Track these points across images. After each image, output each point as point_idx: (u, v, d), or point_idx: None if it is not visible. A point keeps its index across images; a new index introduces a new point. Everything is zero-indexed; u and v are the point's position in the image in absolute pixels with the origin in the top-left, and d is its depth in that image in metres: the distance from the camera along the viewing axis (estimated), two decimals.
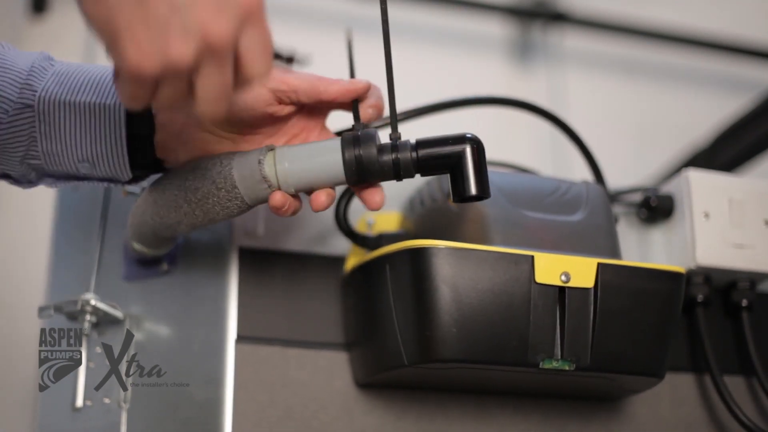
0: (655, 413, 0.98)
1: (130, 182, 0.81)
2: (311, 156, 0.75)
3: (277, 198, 0.75)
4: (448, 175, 0.75)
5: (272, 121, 0.79)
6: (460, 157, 0.74)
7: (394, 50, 0.74)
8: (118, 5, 0.58)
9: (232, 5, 0.60)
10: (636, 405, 0.97)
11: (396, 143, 0.75)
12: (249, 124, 0.79)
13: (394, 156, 0.74)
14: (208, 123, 0.78)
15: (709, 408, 1.00)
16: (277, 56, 0.76)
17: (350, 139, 0.75)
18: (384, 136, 0.76)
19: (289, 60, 0.77)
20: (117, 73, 0.62)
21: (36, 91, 0.76)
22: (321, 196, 0.76)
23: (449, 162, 0.74)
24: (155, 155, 0.79)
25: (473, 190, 0.74)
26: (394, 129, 0.75)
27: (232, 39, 0.61)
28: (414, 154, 0.74)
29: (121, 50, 0.59)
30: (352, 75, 0.82)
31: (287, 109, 0.79)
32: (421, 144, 0.75)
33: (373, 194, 0.77)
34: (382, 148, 0.74)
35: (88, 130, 0.77)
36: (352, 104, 0.78)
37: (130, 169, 0.78)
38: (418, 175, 0.76)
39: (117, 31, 0.59)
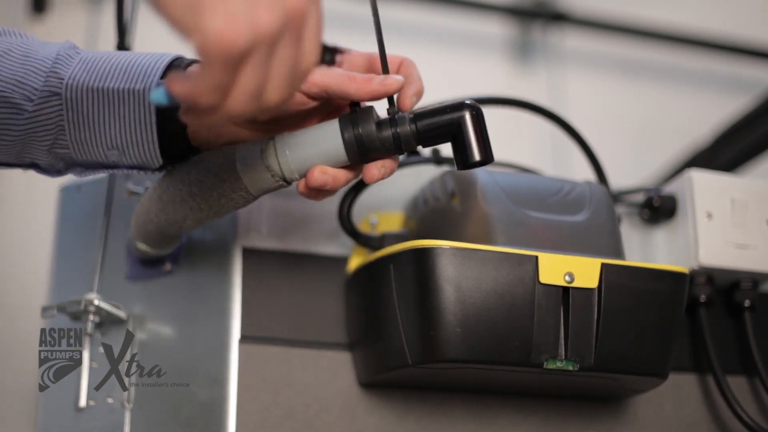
0: (657, 413, 0.98)
1: (159, 169, 0.79)
2: (312, 141, 0.74)
3: (316, 174, 0.73)
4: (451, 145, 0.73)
5: (299, 114, 0.78)
6: (460, 124, 0.73)
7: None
8: None
9: None
10: (639, 405, 0.97)
11: (394, 117, 0.74)
12: (278, 119, 0.78)
13: (393, 130, 0.73)
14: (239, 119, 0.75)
15: (711, 408, 1.00)
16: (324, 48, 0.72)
17: (348, 118, 0.74)
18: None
19: (333, 52, 0.73)
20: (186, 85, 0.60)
21: (63, 79, 0.76)
22: (314, 172, 0.74)
23: (450, 130, 0.73)
24: (188, 142, 0.78)
25: (477, 156, 0.73)
26: (391, 103, 0.74)
27: (307, 11, 0.60)
28: (413, 127, 0.73)
29: (208, 23, 0.56)
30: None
31: (314, 103, 0.77)
32: (419, 115, 0.74)
33: (370, 167, 0.75)
34: (380, 124, 0.73)
35: (117, 117, 0.76)
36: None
37: (160, 154, 0.77)
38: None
39: (202, 3, 0.56)
